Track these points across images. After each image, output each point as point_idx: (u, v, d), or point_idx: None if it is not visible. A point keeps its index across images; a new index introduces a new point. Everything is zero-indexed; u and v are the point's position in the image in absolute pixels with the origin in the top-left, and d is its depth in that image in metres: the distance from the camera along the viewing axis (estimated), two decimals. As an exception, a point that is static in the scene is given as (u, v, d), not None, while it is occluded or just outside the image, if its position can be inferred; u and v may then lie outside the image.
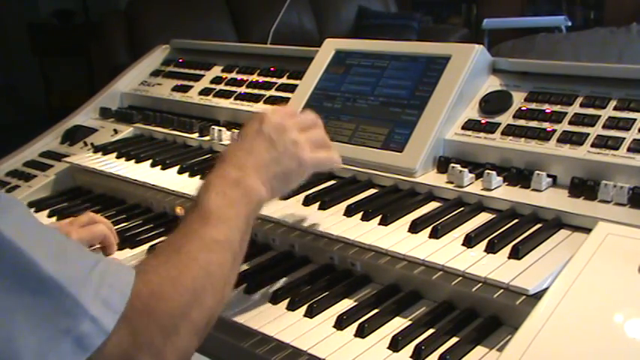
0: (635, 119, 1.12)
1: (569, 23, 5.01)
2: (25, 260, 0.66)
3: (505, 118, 1.25)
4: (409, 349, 0.86)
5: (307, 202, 1.20)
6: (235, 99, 1.66)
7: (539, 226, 1.04)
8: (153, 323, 0.74)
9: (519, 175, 1.15)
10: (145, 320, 0.73)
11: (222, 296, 0.84)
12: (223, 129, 1.55)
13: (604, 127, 1.14)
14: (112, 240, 1.20)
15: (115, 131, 1.73)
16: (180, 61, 1.92)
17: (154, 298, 0.75)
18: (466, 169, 1.17)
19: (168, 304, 0.76)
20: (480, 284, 0.92)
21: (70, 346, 0.67)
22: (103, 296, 0.70)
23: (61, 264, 0.69)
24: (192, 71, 1.85)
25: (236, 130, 1.52)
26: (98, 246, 1.20)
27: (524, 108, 1.24)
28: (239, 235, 0.88)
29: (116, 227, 1.30)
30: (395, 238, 1.05)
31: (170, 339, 0.75)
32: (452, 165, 1.19)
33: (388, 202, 1.17)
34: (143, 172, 1.46)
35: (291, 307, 0.99)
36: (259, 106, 1.59)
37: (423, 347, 0.85)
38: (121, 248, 1.22)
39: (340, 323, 0.93)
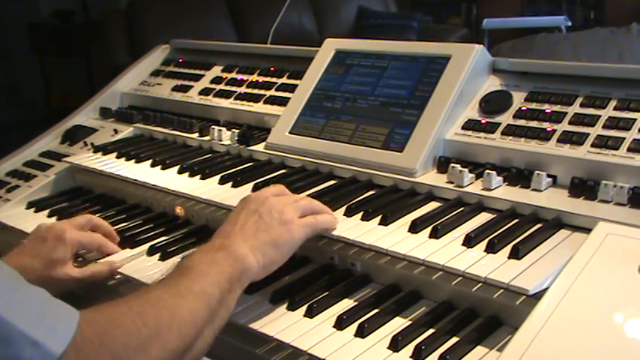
0: (635, 119, 1.12)
1: (569, 23, 5.01)
2: None
3: (505, 118, 1.25)
4: (409, 349, 0.86)
5: (307, 202, 1.20)
6: (235, 99, 1.66)
7: (539, 226, 1.04)
8: (105, 352, 0.72)
9: (519, 175, 1.15)
10: (97, 348, 0.71)
11: (191, 345, 0.81)
12: (223, 129, 1.55)
13: (604, 127, 1.14)
14: (109, 248, 1.20)
15: (115, 131, 1.73)
16: (180, 61, 1.92)
17: (110, 328, 0.74)
18: (466, 169, 1.17)
19: (124, 334, 0.74)
20: (480, 284, 0.92)
21: None
22: (48, 324, 0.68)
23: None
24: (192, 71, 1.85)
25: (236, 130, 1.52)
26: (94, 253, 1.20)
27: (524, 108, 1.24)
28: (218, 292, 0.86)
29: (116, 227, 1.30)
30: (395, 238, 1.05)
31: None
32: (452, 165, 1.19)
33: (388, 202, 1.17)
34: (143, 172, 1.46)
35: (291, 307, 0.99)
36: (259, 106, 1.59)
37: (423, 347, 0.85)
38: (121, 248, 1.22)
39: (340, 323, 0.93)
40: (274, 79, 1.65)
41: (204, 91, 1.74)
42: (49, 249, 1.09)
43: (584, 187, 1.08)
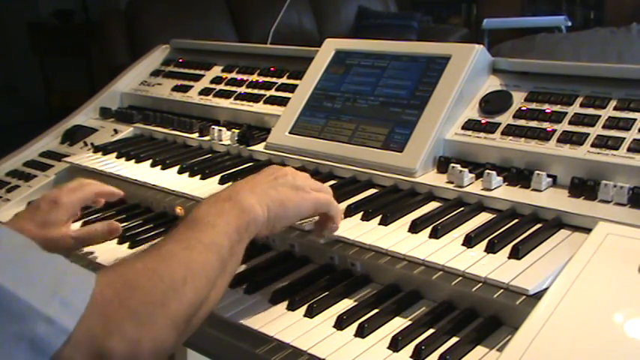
0: (635, 119, 1.12)
1: (569, 23, 5.01)
2: None
3: (505, 118, 1.25)
4: (409, 349, 0.86)
5: (307, 202, 1.20)
6: (235, 99, 1.66)
7: (539, 226, 1.04)
8: (125, 311, 0.72)
9: (519, 175, 1.15)
10: (116, 307, 0.72)
11: (206, 296, 0.83)
12: (223, 129, 1.55)
13: (604, 127, 1.14)
14: (106, 191, 1.19)
15: (115, 131, 1.73)
16: (181, 61, 1.92)
17: (127, 287, 0.74)
18: (466, 169, 1.17)
19: (143, 292, 0.75)
20: (480, 284, 0.92)
21: (25, 351, 0.65)
22: (62, 296, 0.68)
23: (5, 269, 0.67)
24: (192, 71, 1.85)
25: (236, 130, 1.52)
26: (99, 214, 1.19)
27: (524, 108, 1.24)
28: (228, 242, 0.87)
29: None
30: (395, 238, 1.05)
31: (145, 328, 0.73)
32: (452, 165, 1.19)
33: (388, 202, 1.17)
34: (143, 172, 1.46)
35: (291, 307, 0.99)
36: (259, 106, 1.59)
37: (423, 347, 0.85)
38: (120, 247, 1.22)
39: (340, 323, 0.93)
40: (274, 79, 1.65)
41: (204, 91, 1.74)
42: (43, 213, 1.08)
43: (584, 187, 1.08)
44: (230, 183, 1.33)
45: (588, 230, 0.98)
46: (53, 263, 0.72)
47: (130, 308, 0.73)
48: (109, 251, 1.23)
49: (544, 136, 1.18)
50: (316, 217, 1.06)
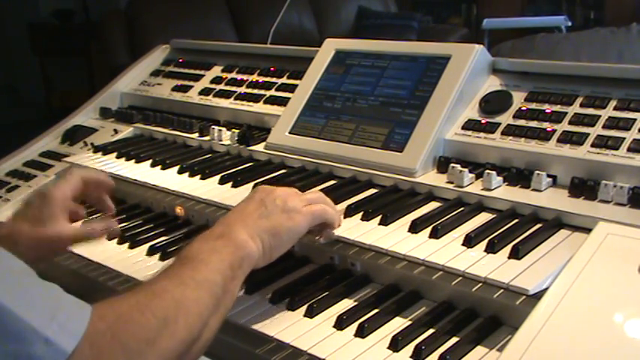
0: (635, 119, 1.12)
1: (569, 23, 5.01)
2: None
3: (505, 118, 1.25)
4: (409, 349, 0.86)
5: (307, 202, 1.20)
6: (235, 99, 1.66)
7: (539, 226, 1.04)
8: (117, 345, 0.72)
9: (519, 175, 1.15)
10: (109, 342, 0.72)
11: (198, 334, 0.82)
12: (223, 129, 1.55)
13: (604, 127, 1.14)
14: (92, 177, 1.17)
15: (115, 131, 1.73)
16: (180, 61, 1.92)
17: (121, 321, 0.74)
18: (466, 169, 1.17)
19: (135, 327, 0.75)
20: (480, 284, 0.92)
21: None
22: (60, 320, 0.68)
23: (7, 290, 0.67)
24: (192, 71, 1.85)
25: (236, 130, 1.52)
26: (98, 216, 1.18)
27: (524, 108, 1.24)
28: (221, 279, 0.86)
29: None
30: (395, 238, 1.05)
31: None
32: (452, 165, 1.19)
33: (388, 202, 1.17)
34: (143, 172, 1.46)
35: (291, 307, 0.99)
36: (259, 106, 1.59)
37: (423, 347, 0.85)
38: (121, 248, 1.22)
39: (340, 323, 0.93)
40: (274, 79, 1.65)
41: (204, 91, 1.74)
42: (34, 208, 1.06)
43: (584, 187, 1.08)
44: (230, 183, 1.33)
45: (588, 230, 0.98)
46: (51, 290, 0.73)
47: (121, 342, 0.73)
48: (109, 251, 1.23)
49: (544, 136, 1.18)
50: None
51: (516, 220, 1.07)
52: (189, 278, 0.83)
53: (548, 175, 1.13)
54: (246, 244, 0.91)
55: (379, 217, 1.11)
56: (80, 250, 1.19)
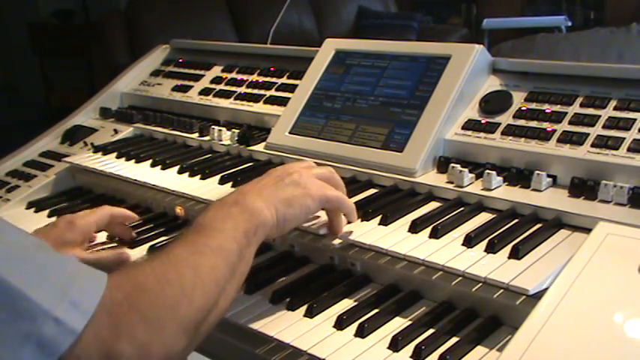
0: (635, 119, 1.12)
1: (569, 23, 5.01)
2: None
3: (505, 118, 1.25)
4: (409, 349, 0.86)
5: (307, 202, 1.20)
6: (235, 99, 1.66)
7: (539, 226, 1.04)
8: (135, 314, 0.72)
9: (519, 175, 1.15)
10: (126, 310, 0.72)
11: (215, 301, 0.82)
12: (223, 129, 1.55)
13: (604, 127, 1.14)
14: (120, 213, 1.23)
15: (115, 131, 1.73)
16: (180, 61, 1.92)
17: (137, 291, 0.74)
18: (466, 169, 1.17)
19: (152, 296, 0.75)
20: (480, 284, 0.92)
21: (33, 351, 0.65)
22: (72, 297, 0.68)
23: (17, 268, 0.67)
24: (192, 71, 1.85)
25: (236, 130, 1.52)
26: (113, 244, 1.22)
27: (524, 108, 1.24)
28: (236, 247, 0.86)
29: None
30: (395, 238, 1.05)
31: (155, 332, 0.73)
32: (452, 165, 1.19)
33: (388, 202, 1.17)
34: (143, 172, 1.46)
35: (291, 307, 0.99)
36: (259, 106, 1.59)
37: (423, 347, 0.85)
38: (121, 248, 1.22)
39: (340, 323, 0.93)
40: (274, 79, 1.65)
41: (204, 91, 1.74)
42: (59, 231, 1.12)
43: (584, 187, 1.08)
44: (230, 183, 1.33)
45: (588, 230, 0.98)
46: (64, 264, 0.72)
47: (139, 311, 0.73)
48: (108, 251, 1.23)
49: (544, 136, 1.18)
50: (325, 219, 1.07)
51: (516, 220, 1.07)
52: (204, 246, 0.83)
53: (548, 175, 1.13)
54: (261, 212, 0.91)
55: (379, 217, 1.11)
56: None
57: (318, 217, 1.13)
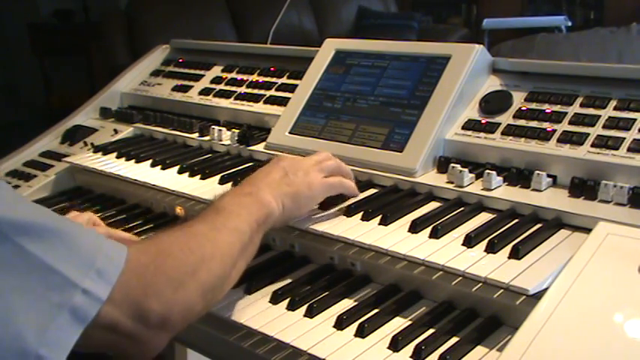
0: (635, 119, 1.12)
1: (569, 23, 5.01)
2: (10, 243, 0.69)
3: (505, 118, 1.25)
4: (409, 349, 0.86)
5: (307, 202, 1.20)
6: (235, 99, 1.66)
7: (539, 226, 1.04)
8: (161, 275, 0.80)
9: (519, 175, 1.15)
10: (153, 272, 0.79)
11: (229, 274, 0.91)
12: (223, 129, 1.55)
13: (604, 127, 1.14)
14: (124, 238, 1.22)
15: (115, 131, 1.73)
16: (181, 61, 1.92)
17: (162, 255, 0.83)
18: (466, 169, 1.17)
19: (176, 260, 0.83)
20: (480, 284, 0.92)
21: (67, 318, 0.70)
22: (98, 266, 0.74)
23: (45, 242, 0.71)
24: (192, 71, 1.85)
25: (236, 130, 1.52)
26: None
27: (524, 108, 1.24)
28: (249, 230, 0.96)
29: (116, 227, 1.30)
30: (395, 238, 1.05)
31: (178, 292, 0.81)
32: (452, 165, 1.19)
33: (388, 202, 1.17)
34: (143, 172, 1.46)
35: (291, 307, 0.99)
36: (259, 106, 1.59)
37: (423, 347, 0.85)
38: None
39: (340, 323, 0.93)
40: (274, 79, 1.65)
41: (204, 91, 1.74)
42: None
43: (584, 187, 1.08)
44: (230, 183, 1.33)
45: (588, 230, 0.98)
46: (88, 236, 0.77)
47: (165, 273, 0.81)
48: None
49: (544, 136, 1.18)
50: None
51: (516, 220, 1.07)
52: (222, 225, 0.93)
53: (548, 175, 1.13)
54: (270, 204, 1.02)
55: (379, 217, 1.11)
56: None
57: (319, 216, 1.14)
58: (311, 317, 0.96)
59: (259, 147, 1.47)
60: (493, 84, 1.32)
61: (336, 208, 1.16)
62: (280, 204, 1.04)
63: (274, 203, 1.02)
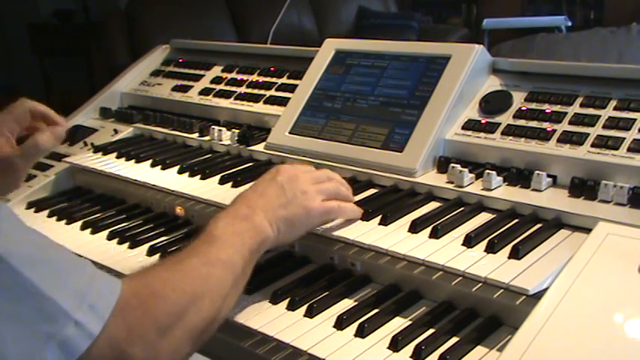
0: (635, 119, 1.12)
1: (569, 23, 5.00)
2: (6, 266, 0.67)
3: (505, 118, 1.25)
4: (409, 349, 0.86)
5: (307, 202, 1.20)
6: (235, 99, 1.66)
7: (539, 226, 1.04)
8: (149, 319, 0.76)
9: (519, 175, 1.15)
10: (141, 316, 0.76)
11: (219, 311, 0.87)
12: (223, 129, 1.55)
13: (604, 127, 1.14)
14: (40, 110, 1.28)
15: (115, 131, 1.73)
16: (180, 61, 1.92)
17: (153, 297, 0.79)
18: (466, 169, 1.17)
19: (167, 303, 0.79)
20: (480, 284, 0.92)
21: (55, 350, 0.68)
22: (90, 300, 0.72)
23: (42, 270, 0.70)
24: (192, 71, 1.85)
25: (236, 130, 1.52)
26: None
27: (524, 108, 1.24)
28: (242, 262, 0.92)
29: (116, 227, 1.30)
30: (395, 238, 1.05)
31: (165, 337, 0.78)
32: (452, 165, 1.19)
33: (388, 202, 1.17)
34: (143, 172, 1.46)
35: (291, 307, 0.99)
36: (259, 106, 1.59)
37: (423, 347, 0.85)
38: (121, 248, 1.22)
39: (340, 323, 0.93)
40: (274, 79, 1.65)
41: (204, 91, 1.74)
42: None
43: (584, 187, 1.08)
44: (230, 183, 1.33)
45: (588, 230, 0.98)
46: (84, 267, 0.75)
47: (153, 317, 0.77)
48: (109, 251, 1.23)
49: (544, 136, 1.18)
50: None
51: (516, 220, 1.07)
52: (215, 258, 0.89)
53: (548, 175, 1.13)
54: (265, 229, 0.97)
55: (379, 217, 1.11)
56: (80, 250, 1.19)
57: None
58: (311, 317, 0.96)
59: (259, 147, 1.47)
60: (493, 84, 1.32)
61: None
62: (275, 229, 0.99)
63: (269, 229, 0.98)
